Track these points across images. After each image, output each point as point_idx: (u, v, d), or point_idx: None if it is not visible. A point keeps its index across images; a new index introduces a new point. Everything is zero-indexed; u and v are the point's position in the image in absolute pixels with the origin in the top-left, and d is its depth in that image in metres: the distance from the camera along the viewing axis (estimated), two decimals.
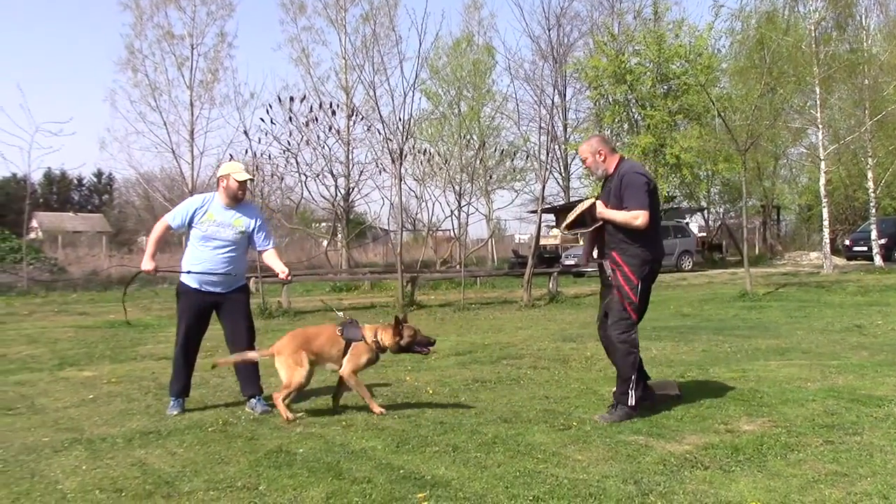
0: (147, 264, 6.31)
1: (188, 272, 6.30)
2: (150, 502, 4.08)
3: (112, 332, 12.71)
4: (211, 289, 6.33)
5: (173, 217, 6.42)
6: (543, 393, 6.69)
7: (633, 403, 5.60)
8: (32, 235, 40.87)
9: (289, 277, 6.48)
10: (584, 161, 6.09)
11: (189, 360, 6.45)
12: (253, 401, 6.30)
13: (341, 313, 6.60)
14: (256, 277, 17.25)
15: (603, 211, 5.75)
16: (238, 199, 6.40)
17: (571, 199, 33.21)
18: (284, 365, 5.92)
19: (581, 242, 6.34)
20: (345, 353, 6.00)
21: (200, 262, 6.30)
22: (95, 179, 73.87)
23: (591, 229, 5.81)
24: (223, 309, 6.40)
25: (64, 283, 24.16)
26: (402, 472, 4.42)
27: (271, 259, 6.52)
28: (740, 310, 14.50)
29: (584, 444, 4.96)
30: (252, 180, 7.09)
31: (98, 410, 6.46)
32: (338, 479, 4.33)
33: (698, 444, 4.88)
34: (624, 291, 5.68)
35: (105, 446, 5.23)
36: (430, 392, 6.90)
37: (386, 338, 6.03)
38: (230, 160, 22.62)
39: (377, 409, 5.94)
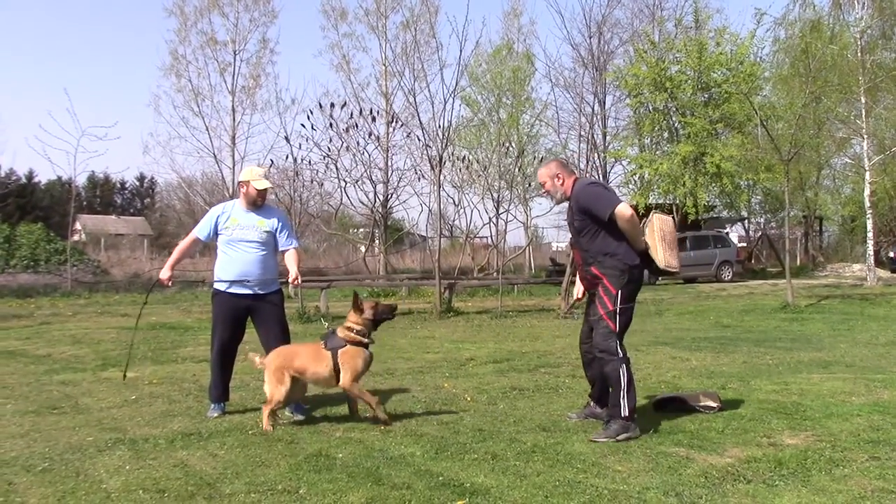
0: (164, 273, 6.46)
1: (211, 280, 6.40)
2: (192, 503, 4.13)
3: (153, 333, 12.88)
4: (243, 291, 6.38)
5: (200, 229, 6.56)
6: (582, 402, 6.61)
7: (626, 414, 5.38)
8: (76, 238, 41.57)
9: (296, 283, 6.42)
10: (542, 185, 6.00)
11: (225, 367, 6.50)
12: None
13: (327, 324, 6.61)
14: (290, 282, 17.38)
15: None
16: (257, 206, 6.49)
17: None
18: (267, 380, 5.88)
19: None
20: (336, 366, 5.81)
21: (231, 266, 6.37)
22: (138, 183, 75.23)
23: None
24: (257, 314, 6.44)
25: (106, 284, 24.54)
26: (440, 478, 4.42)
27: (289, 260, 6.51)
28: (782, 321, 14.31)
29: (625, 454, 4.92)
30: (273, 188, 7.11)
31: (140, 411, 6.55)
32: (377, 484, 4.34)
33: (740, 458, 4.82)
34: (603, 301, 5.60)
35: (147, 447, 5.30)
36: (469, 399, 6.89)
37: (355, 320, 5.89)
38: (266, 164, 22.87)
39: (382, 417, 5.80)
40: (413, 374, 8.44)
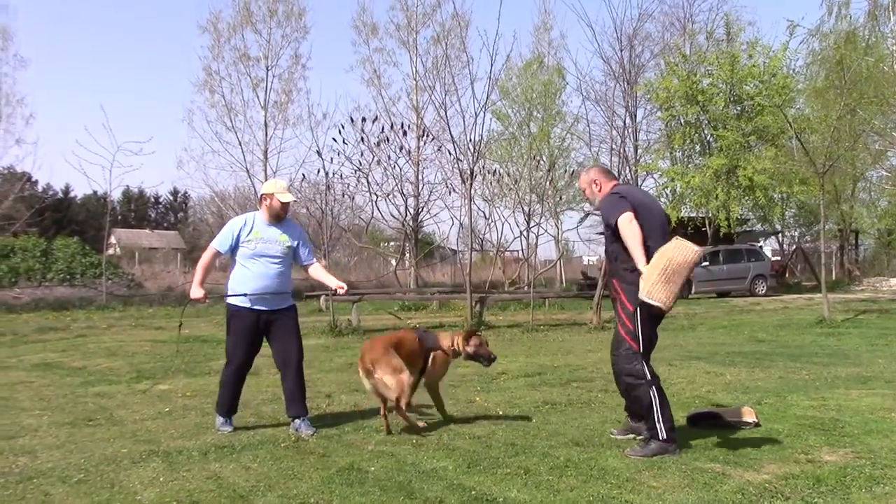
0: (196, 292, 6.34)
1: (244, 294, 6.26)
2: None
3: (186, 346, 12.98)
4: (261, 307, 6.29)
5: (220, 243, 6.39)
6: (615, 417, 6.58)
7: (665, 437, 5.25)
8: (111, 251, 42.05)
9: (342, 290, 6.36)
10: (583, 191, 5.98)
11: (239, 384, 6.42)
12: (297, 421, 6.22)
13: (413, 323, 6.84)
14: (327, 295, 17.48)
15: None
16: (280, 219, 6.41)
17: None
18: (384, 373, 5.89)
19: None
20: (424, 363, 6.25)
21: (252, 280, 6.27)
22: (171, 197, 75.93)
23: None
24: (273, 329, 6.35)
25: (140, 298, 24.81)
26: (473, 493, 4.40)
27: (320, 273, 6.49)
28: (818, 336, 14.08)
29: (659, 470, 4.86)
30: (296, 200, 7.01)
31: (174, 423, 6.60)
32: (409, 498, 4.32)
33: (778, 474, 4.74)
34: (621, 320, 5.46)
35: (181, 459, 5.34)
36: (501, 413, 6.86)
37: (460, 343, 6.38)
38: (297, 178, 23.02)
39: (445, 414, 6.55)
40: (445, 387, 8.40)
